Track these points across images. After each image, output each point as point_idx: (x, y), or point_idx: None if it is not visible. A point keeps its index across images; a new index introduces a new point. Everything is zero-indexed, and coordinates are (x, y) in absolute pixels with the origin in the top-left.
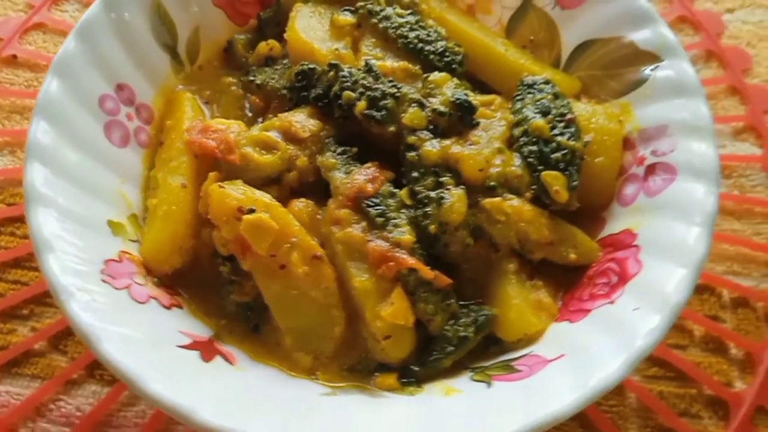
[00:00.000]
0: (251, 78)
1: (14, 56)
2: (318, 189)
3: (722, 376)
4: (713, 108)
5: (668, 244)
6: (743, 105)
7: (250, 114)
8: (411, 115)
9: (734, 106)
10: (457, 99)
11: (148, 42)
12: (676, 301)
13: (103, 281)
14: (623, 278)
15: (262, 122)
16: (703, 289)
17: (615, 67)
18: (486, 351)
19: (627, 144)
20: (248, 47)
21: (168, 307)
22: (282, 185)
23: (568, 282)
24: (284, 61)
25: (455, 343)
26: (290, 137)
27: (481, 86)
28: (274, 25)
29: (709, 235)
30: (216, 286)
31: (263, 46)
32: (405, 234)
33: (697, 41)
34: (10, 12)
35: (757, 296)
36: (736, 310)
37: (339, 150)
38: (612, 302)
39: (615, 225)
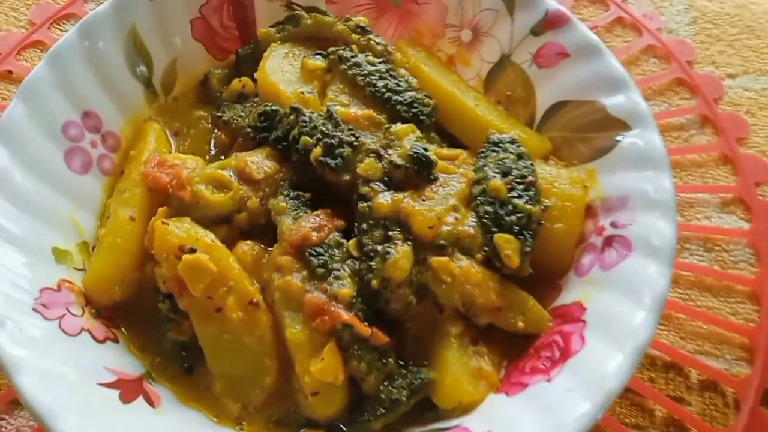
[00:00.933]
0: (219, 114)
1: (9, 72)
2: (269, 232)
3: None
4: (702, 176)
5: (613, 324)
6: (734, 176)
7: (215, 150)
8: (366, 166)
9: (725, 175)
10: (415, 152)
11: (122, 71)
12: (609, 388)
13: (35, 310)
14: (565, 354)
15: (224, 159)
16: (669, 368)
17: (585, 131)
18: (421, 416)
19: (589, 212)
20: (224, 82)
21: (101, 341)
22: (231, 225)
23: (516, 350)
24: (255, 99)
25: (387, 405)
26: (245, 177)
27: (452, 139)
28: (252, 62)
29: (656, 319)
30: (155, 323)
31: (236, 83)
32: (344, 287)
33: (693, 105)
34: (12, 27)
35: (727, 381)
36: (703, 394)
37: (292, 194)
38: (549, 380)
39: (569, 295)
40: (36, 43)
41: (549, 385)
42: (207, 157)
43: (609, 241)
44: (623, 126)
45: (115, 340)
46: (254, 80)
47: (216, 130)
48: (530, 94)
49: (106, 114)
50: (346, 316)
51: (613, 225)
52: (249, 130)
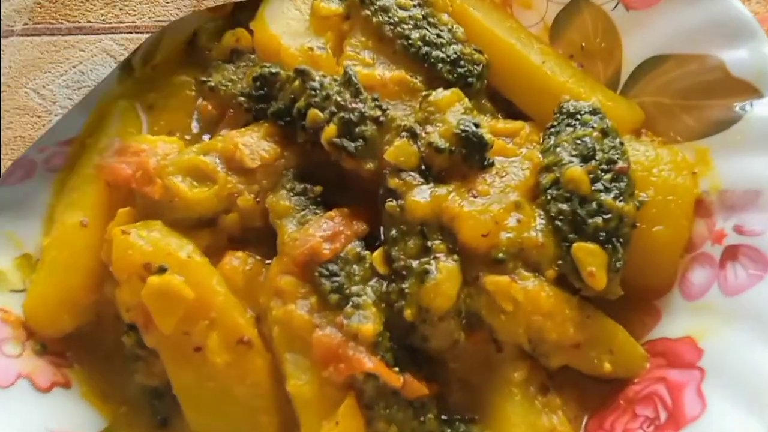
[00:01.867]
0: (204, 78)
1: None
2: (267, 238)
3: None
4: None
5: (746, 378)
6: None
7: (199, 126)
8: (396, 150)
9: None
10: (464, 130)
11: None
12: None
13: None
14: (675, 418)
15: (210, 139)
16: None
17: (694, 97)
18: None
19: (700, 208)
20: (216, 38)
21: (46, 389)
22: (217, 230)
23: (597, 396)
24: (252, 57)
25: None
26: (234, 165)
27: (509, 108)
28: (253, 9)
29: None
30: (120, 360)
31: (228, 37)
32: (366, 321)
33: None
34: None
35: None
36: None
37: (297, 188)
38: None
39: (673, 324)
40: None
41: None
42: (188, 137)
43: (732, 253)
44: (750, 91)
45: (66, 385)
46: (251, 32)
47: (201, 100)
48: (614, 46)
49: None
50: (369, 363)
51: (738, 230)
52: (242, 99)
